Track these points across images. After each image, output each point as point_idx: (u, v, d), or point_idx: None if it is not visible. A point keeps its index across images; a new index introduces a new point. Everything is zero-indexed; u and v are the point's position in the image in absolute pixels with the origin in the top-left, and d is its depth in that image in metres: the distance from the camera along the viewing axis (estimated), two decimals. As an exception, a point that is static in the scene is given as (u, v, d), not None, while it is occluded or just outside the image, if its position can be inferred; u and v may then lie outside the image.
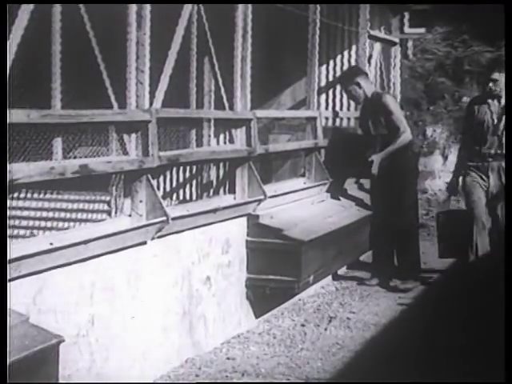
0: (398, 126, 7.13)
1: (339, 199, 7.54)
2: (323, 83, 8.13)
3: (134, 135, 4.63)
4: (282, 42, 8.01)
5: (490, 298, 6.30)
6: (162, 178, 5.28)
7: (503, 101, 6.97)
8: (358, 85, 7.29)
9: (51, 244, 3.87)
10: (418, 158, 7.80)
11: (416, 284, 7.19)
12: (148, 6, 4.70)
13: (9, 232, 3.73)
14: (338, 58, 8.36)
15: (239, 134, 5.95)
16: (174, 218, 4.73)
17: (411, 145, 7.39)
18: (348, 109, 8.42)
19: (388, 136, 7.14)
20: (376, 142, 7.20)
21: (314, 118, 7.44)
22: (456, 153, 12.07)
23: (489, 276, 6.61)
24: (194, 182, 6.13)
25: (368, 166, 7.05)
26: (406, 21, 10.30)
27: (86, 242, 4.06)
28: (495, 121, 7.04)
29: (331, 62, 8.30)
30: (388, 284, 7.16)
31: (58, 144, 4.22)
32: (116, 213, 4.67)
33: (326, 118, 7.92)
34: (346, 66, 8.49)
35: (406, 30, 10.30)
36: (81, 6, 4.28)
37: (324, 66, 8.02)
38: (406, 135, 7.15)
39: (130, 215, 4.61)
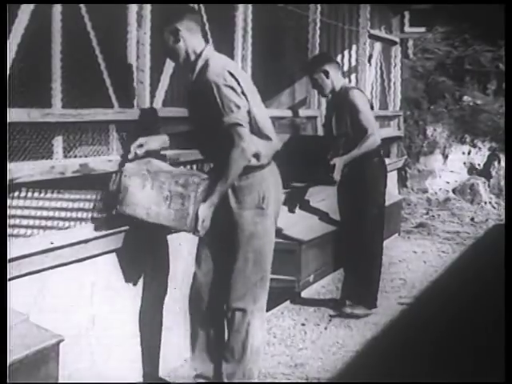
0: (366, 128, 6.04)
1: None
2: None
3: (134, 134, 4.63)
4: (283, 41, 8.01)
5: (491, 294, 6.31)
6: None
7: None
8: (326, 73, 6.16)
9: (52, 243, 3.87)
10: (385, 165, 6.46)
11: (367, 312, 6.21)
12: (148, 6, 4.71)
13: (9, 231, 3.73)
14: (339, 57, 8.36)
15: (239, 133, 5.94)
16: (174, 218, 4.71)
17: (379, 150, 6.30)
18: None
19: (353, 138, 6.08)
20: (338, 144, 6.13)
21: (315, 117, 7.45)
22: (457, 152, 12.18)
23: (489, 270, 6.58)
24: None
25: (329, 171, 6.01)
26: (406, 20, 10.32)
27: (86, 241, 4.06)
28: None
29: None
30: (341, 309, 6.23)
31: (58, 143, 4.21)
32: (117, 212, 4.65)
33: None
34: (346, 66, 8.51)
35: (407, 29, 10.33)
36: (81, 5, 4.28)
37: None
38: (374, 139, 6.07)
39: (130, 214, 4.60)
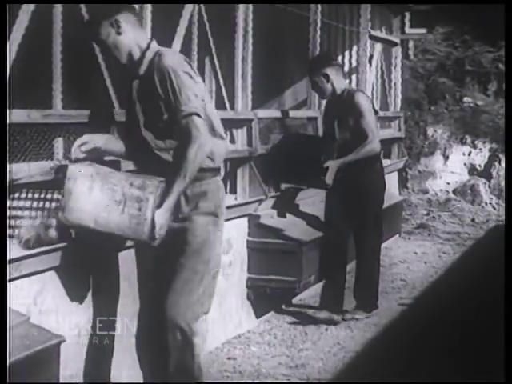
0: (367, 133, 5.91)
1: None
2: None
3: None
4: (283, 42, 8.01)
5: (491, 295, 6.31)
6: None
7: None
8: (326, 77, 6.03)
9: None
10: (383, 169, 6.35)
11: (367, 315, 6.20)
12: (149, 6, 4.70)
13: (9, 232, 3.73)
14: (339, 58, 8.35)
15: (240, 134, 5.95)
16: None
17: (379, 155, 6.29)
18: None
19: (351, 142, 5.97)
20: (333, 146, 6.00)
21: (315, 118, 7.44)
22: (457, 153, 12.18)
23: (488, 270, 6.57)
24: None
25: (321, 175, 5.86)
26: (406, 21, 10.32)
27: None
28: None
29: (332, 63, 8.28)
30: (343, 316, 6.15)
31: (58, 144, 4.22)
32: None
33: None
34: (347, 67, 8.51)
35: (407, 30, 10.33)
36: (82, 6, 4.28)
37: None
38: (374, 146, 5.96)
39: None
